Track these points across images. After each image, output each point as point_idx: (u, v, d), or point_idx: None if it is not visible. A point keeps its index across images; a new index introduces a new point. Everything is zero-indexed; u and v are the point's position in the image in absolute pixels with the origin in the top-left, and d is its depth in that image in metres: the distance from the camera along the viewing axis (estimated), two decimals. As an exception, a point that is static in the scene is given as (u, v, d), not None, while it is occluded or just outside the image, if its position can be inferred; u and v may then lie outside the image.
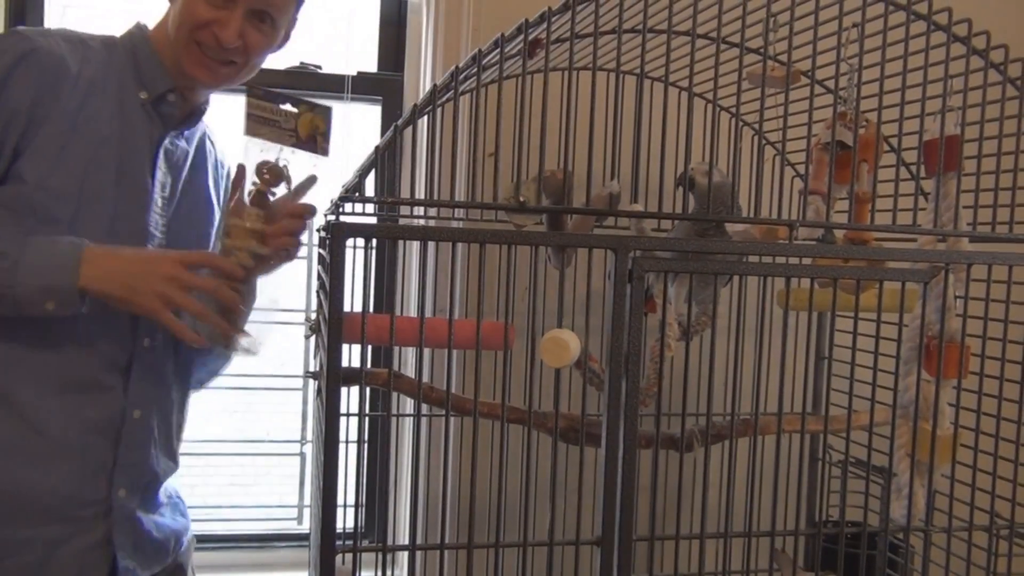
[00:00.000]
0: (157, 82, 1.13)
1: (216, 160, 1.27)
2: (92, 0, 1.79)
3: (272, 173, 1.05)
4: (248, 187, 1.07)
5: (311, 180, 1.08)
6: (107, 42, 1.14)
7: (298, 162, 1.07)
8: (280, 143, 1.04)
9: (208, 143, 1.26)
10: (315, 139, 1.05)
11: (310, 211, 1.08)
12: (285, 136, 1.04)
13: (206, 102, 1.21)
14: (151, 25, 1.17)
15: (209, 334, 1.05)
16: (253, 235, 1.04)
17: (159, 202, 1.13)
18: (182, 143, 1.18)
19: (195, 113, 1.19)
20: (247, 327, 1.10)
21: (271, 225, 1.05)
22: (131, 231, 1.09)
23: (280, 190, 1.07)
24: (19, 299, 0.97)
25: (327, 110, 1.05)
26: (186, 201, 1.19)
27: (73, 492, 1.06)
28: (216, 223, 1.24)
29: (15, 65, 1.02)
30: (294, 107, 1.04)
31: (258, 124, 1.03)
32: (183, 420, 1.26)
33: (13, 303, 0.98)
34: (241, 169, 1.06)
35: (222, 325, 1.05)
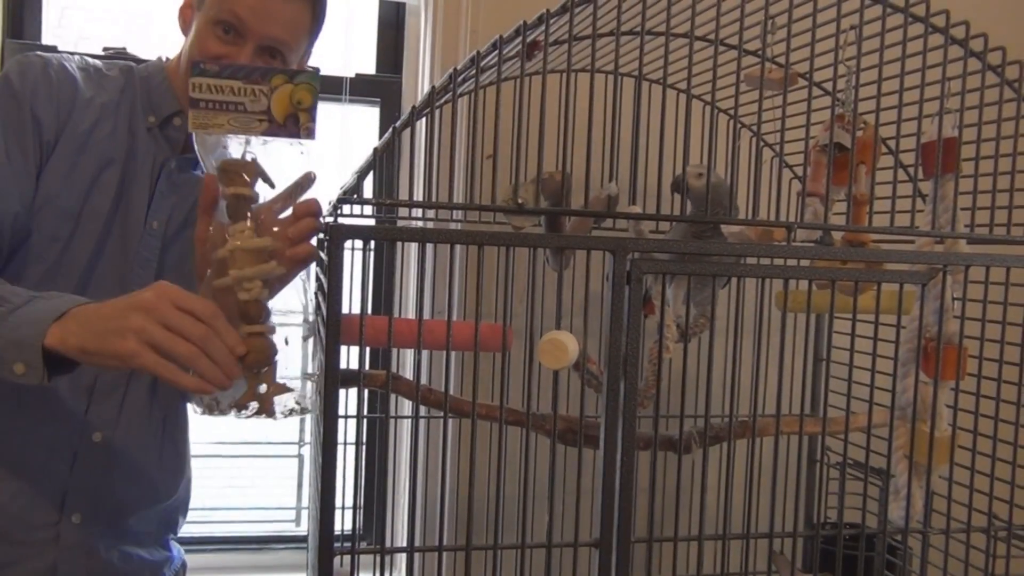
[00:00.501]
0: (164, 106, 1.14)
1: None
2: (90, 2, 1.79)
3: (243, 171, 0.82)
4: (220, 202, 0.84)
5: (307, 179, 0.90)
6: (126, 69, 1.16)
7: (277, 152, 0.85)
8: (245, 133, 0.81)
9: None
10: (296, 118, 0.82)
11: (315, 208, 0.91)
12: (252, 123, 0.80)
13: None
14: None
15: (232, 402, 0.83)
16: (259, 256, 0.82)
17: (154, 225, 1.12)
18: (191, 168, 1.17)
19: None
20: (286, 374, 0.86)
21: (269, 235, 0.85)
22: (119, 250, 1.08)
23: (261, 190, 0.85)
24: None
25: (313, 76, 0.82)
26: (189, 226, 1.15)
27: (22, 514, 1.02)
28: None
29: (39, 82, 1.05)
30: (262, 82, 0.80)
31: (211, 113, 0.80)
32: (178, 443, 1.18)
33: None
34: (208, 182, 0.87)
35: (250, 378, 0.83)
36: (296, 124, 0.82)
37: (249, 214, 0.82)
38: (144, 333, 0.77)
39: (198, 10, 1.10)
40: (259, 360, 0.82)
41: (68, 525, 1.05)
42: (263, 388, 0.81)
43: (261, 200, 0.86)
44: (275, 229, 0.84)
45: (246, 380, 0.82)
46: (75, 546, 1.06)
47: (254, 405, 0.81)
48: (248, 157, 0.82)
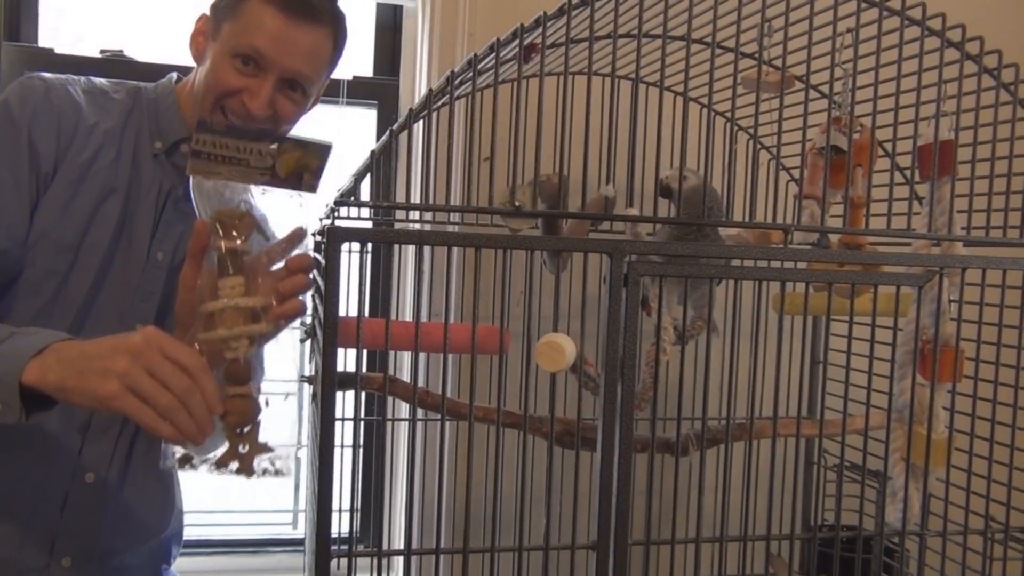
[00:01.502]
0: (171, 131, 1.09)
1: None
2: (86, 9, 1.79)
3: (238, 223, 0.79)
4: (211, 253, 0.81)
5: (300, 233, 0.87)
6: (133, 91, 1.12)
7: (274, 202, 0.84)
8: (246, 182, 0.80)
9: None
10: (300, 176, 0.82)
11: (308, 263, 0.87)
12: (254, 174, 0.80)
13: None
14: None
15: (213, 458, 0.81)
16: (248, 315, 0.79)
17: (159, 256, 1.07)
18: (183, 191, 1.11)
19: None
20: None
21: (260, 292, 0.82)
22: (120, 283, 1.04)
23: (255, 243, 0.83)
24: None
25: (324, 149, 0.82)
26: (178, 241, 1.11)
27: (11, 558, 0.98)
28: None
29: (39, 110, 1.00)
30: (273, 143, 0.80)
31: (212, 163, 0.79)
32: (166, 478, 1.15)
33: None
34: (199, 228, 0.83)
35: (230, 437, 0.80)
36: (299, 181, 0.81)
37: (238, 266, 0.80)
38: (128, 377, 0.75)
39: (213, 40, 1.04)
40: (241, 421, 0.80)
41: (58, 569, 1.02)
42: (244, 448, 0.80)
43: (254, 250, 0.84)
44: (264, 282, 0.82)
45: (227, 437, 0.80)
46: None
47: (234, 464, 0.80)
48: (244, 207, 0.81)
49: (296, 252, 0.86)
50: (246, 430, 0.80)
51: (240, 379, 0.81)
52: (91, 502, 1.03)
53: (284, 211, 0.83)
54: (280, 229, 0.87)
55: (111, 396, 0.75)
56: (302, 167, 0.81)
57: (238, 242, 0.79)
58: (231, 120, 0.90)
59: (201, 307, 0.78)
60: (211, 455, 0.81)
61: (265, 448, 0.81)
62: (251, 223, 0.80)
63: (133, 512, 1.08)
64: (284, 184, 0.80)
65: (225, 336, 0.78)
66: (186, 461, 0.82)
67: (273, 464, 0.81)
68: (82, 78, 1.10)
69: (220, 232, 0.79)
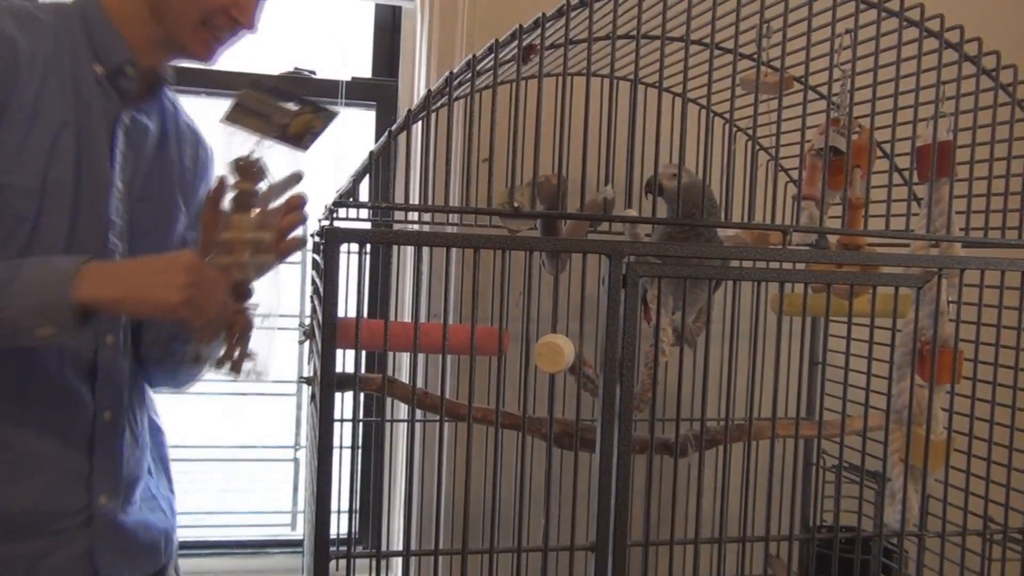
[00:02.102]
0: (113, 53, 1.02)
1: (197, 140, 1.16)
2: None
3: (253, 169, 0.94)
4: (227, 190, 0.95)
5: (296, 176, 0.98)
6: (59, 11, 1.03)
7: (275, 157, 0.97)
8: (262, 135, 0.93)
9: (183, 119, 1.15)
10: (302, 137, 0.95)
11: (303, 200, 0.97)
12: (270, 129, 0.93)
13: (167, 74, 1.10)
14: None
15: (214, 358, 0.97)
16: (255, 246, 0.94)
17: (120, 187, 1.03)
18: (143, 119, 1.07)
19: (156, 85, 1.07)
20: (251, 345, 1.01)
21: (267, 227, 0.95)
22: (93, 220, 1.01)
23: (261, 187, 0.96)
24: (14, 323, 0.87)
25: (331, 116, 0.96)
26: (152, 184, 1.08)
27: (52, 505, 1.01)
28: (186, 216, 1.13)
29: None
30: (296, 105, 0.95)
31: (243, 113, 0.93)
32: (155, 415, 1.20)
33: (9, 331, 0.88)
34: (222, 179, 0.95)
35: (231, 346, 0.95)
36: (299, 140, 0.95)
37: (247, 205, 0.94)
38: (188, 290, 0.87)
39: None
40: (241, 331, 0.96)
41: (98, 507, 1.04)
42: (237, 353, 0.97)
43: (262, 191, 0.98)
44: (268, 218, 0.95)
45: (225, 343, 0.97)
46: (106, 527, 1.05)
47: (227, 364, 0.97)
48: (259, 156, 0.94)
49: (292, 192, 0.97)
50: (242, 338, 0.97)
51: (244, 297, 0.96)
52: (112, 439, 1.06)
53: (281, 162, 0.96)
54: (275, 177, 0.98)
55: (177, 305, 0.88)
56: (307, 129, 0.95)
57: (251, 185, 0.93)
58: (273, 86, 0.96)
59: (218, 236, 0.93)
60: (212, 356, 0.97)
61: (252, 355, 0.97)
62: (262, 170, 0.94)
63: (141, 440, 1.13)
64: (289, 141, 0.94)
65: (237, 262, 0.93)
66: (197, 359, 1.00)
67: (255, 367, 0.97)
68: (2, 1, 1.01)
69: (239, 176, 0.93)
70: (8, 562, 0.99)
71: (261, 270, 0.96)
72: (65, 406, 1.02)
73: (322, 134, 0.97)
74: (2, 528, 0.98)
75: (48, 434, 1.01)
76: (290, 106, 0.94)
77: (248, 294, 0.97)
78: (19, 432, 0.99)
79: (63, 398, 1.01)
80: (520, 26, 0.94)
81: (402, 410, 1.64)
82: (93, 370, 1.04)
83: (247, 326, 0.97)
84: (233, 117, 0.93)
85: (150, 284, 0.89)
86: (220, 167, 0.96)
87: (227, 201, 0.94)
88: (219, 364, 0.97)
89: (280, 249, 0.96)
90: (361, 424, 1.58)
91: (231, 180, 0.93)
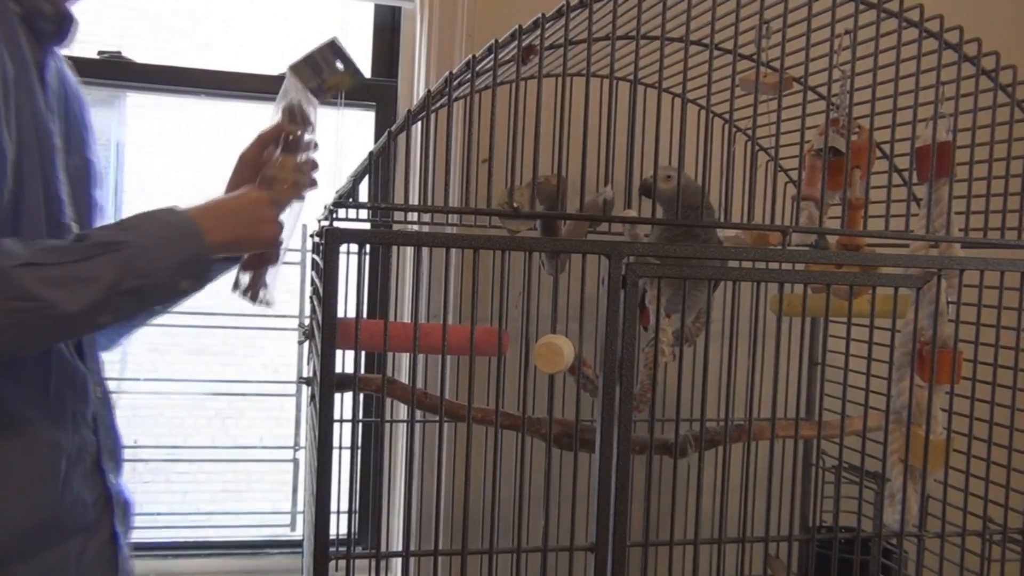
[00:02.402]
0: None
1: (79, 91, 1.07)
2: (83, 6, 1.79)
3: (302, 117, 1.03)
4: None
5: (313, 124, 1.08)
6: None
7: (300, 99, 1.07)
8: (306, 86, 1.03)
9: (62, 62, 1.04)
10: (326, 93, 1.05)
11: (316, 144, 1.05)
12: (313, 81, 1.03)
13: (70, 13, 0.99)
14: None
15: (244, 285, 1.05)
16: (295, 185, 1.01)
17: (57, 142, 0.94)
18: (53, 63, 0.98)
19: (66, 23, 0.97)
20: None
21: (299, 168, 1.01)
22: (73, 173, 0.96)
23: (305, 134, 1.05)
24: (157, 287, 0.87)
25: (357, 82, 1.05)
26: (65, 126, 0.99)
27: (84, 498, 0.97)
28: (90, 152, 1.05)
29: None
30: (343, 66, 1.04)
31: (307, 65, 1.03)
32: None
33: (148, 294, 0.87)
34: (280, 122, 1.02)
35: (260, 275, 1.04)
36: (324, 95, 1.04)
37: (297, 149, 1.02)
38: (275, 223, 0.95)
39: None
40: (269, 261, 1.04)
41: (110, 487, 1.02)
42: (261, 282, 1.05)
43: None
44: (305, 164, 1.04)
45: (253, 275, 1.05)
46: (118, 506, 1.03)
47: (249, 292, 1.04)
48: (305, 105, 1.03)
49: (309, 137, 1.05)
50: (265, 269, 1.05)
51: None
52: (107, 414, 1.05)
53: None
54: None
55: (274, 236, 0.95)
56: (337, 87, 1.04)
57: (300, 131, 1.02)
58: (340, 45, 1.03)
59: (266, 171, 1.00)
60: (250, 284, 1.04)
61: (267, 285, 1.05)
62: (311, 119, 1.03)
63: (112, 408, 1.09)
64: (318, 95, 1.03)
65: (278, 198, 0.99)
66: (238, 287, 1.05)
67: (265, 296, 1.05)
68: None
69: (290, 120, 1.01)
70: (59, 567, 0.94)
71: (292, 207, 1.03)
72: (75, 391, 0.98)
73: (343, 95, 1.11)
74: (51, 534, 0.93)
75: (73, 423, 0.97)
76: (339, 66, 1.03)
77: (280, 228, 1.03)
78: (57, 427, 0.94)
79: (75, 382, 0.98)
80: (519, 27, 0.94)
81: (402, 410, 1.64)
82: (79, 344, 0.99)
83: (275, 257, 1.03)
84: (297, 67, 1.02)
85: (249, 222, 0.94)
86: (275, 108, 1.04)
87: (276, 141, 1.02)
88: (244, 291, 1.04)
89: (302, 188, 1.02)
90: (361, 425, 1.59)
91: (284, 122, 1.02)
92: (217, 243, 0.91)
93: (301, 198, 1.04)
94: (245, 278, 1.04)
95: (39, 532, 0.93)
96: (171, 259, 0.87)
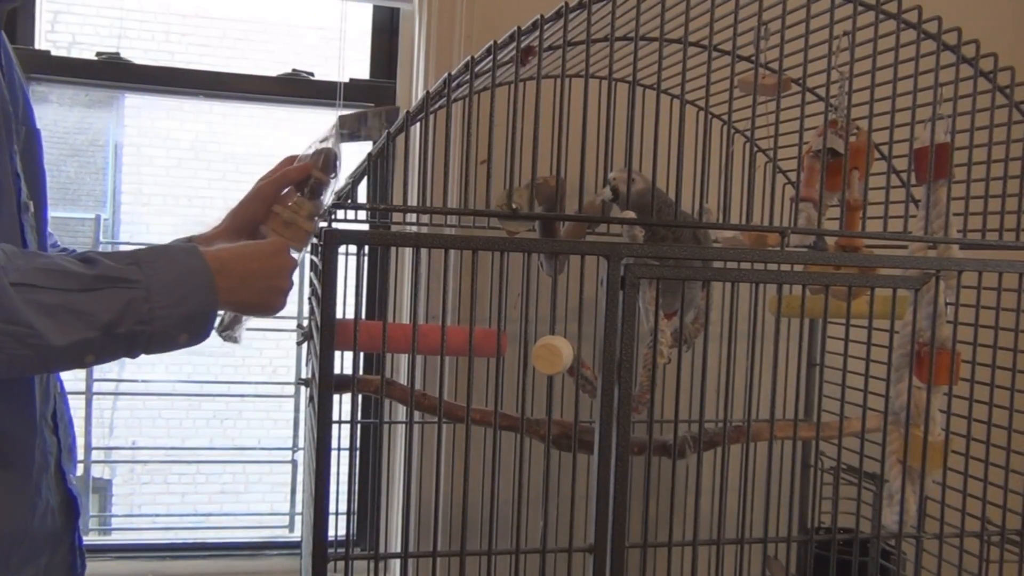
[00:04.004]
0: None
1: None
2: (83, 7, 1.79)
3: (331, 164, 1.00)
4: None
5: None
6: None
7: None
8: (340, 133, 1.02)
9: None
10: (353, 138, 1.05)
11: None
12: (353, 131, 1.03)
13: None
14: None
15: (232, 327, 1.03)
16: (305, 236, 0.98)
17: (10, 110, 0.88)
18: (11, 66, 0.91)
19: None
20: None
21: (311, 216, 0.98)
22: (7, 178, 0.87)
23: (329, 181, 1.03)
24: (153, 336, 0.79)
25: (381, 130, 1.05)
26: (11, 94, 0.90)
27: (52, 504, 0.92)
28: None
29: None
30: (376, 121, 1.04)
31: (356, 120, 1.03)
32: None
33: (142, 342, 0.79)
34: (306, 165, 0.98)
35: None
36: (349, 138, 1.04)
37: (316, 195, 0.99)
38: (287, 291, 0.91)
39: None
40: None
41: (73, 488, 0.97)
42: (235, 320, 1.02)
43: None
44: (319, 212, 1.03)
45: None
46: (80, 506, 0.99)
47: (227, 331, 1.01)
48: (336, 152, 1.00)
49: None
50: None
51: None
52: (65, 410, 0.99)
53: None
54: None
55: (281, 305, 0.91)
56: (362, 135, 1.04)
57: (327, 177, 0.99)
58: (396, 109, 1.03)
59: (282, 214, 0.97)
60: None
61: (241, 322, 1.01)
62: (337, 168, 1.00)
63: (67, 401, 1.03)
64: (345, 139, 1.03)
65: (291, 240, 0.96)
66: (231, 333, 1.02)
67: (235, 334, 1.01)
68: None
69: (320, 165, 0.98)
70: None
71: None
72: (45, 392, 0.92)
73: (361, 142, 1.06)
74: (27, 544, 0.89)
75: (43, 429, 0.92)
76: (381, 131, 1.03)
77: None
78: (29, 433, 0.88)
79: (47, 383, 0.93)
80: (518, 28, 0.94)
81: (401, 412, 1.63)
82: None
83: None
84: (346, 119, 1.02)
85: (265, 290, 0.88)
86: (308, 150, 1.02)
87: (299, 184, 0.99)
88: (221, 329, 1.00)
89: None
90: (359, 426, 1.58)
91: (316, 167, 0.99)
92: (226, 303, 0.86)
93: (301, 250, 1.00)
94: (224, 316, 1.00)
95: (14, 548, 0.87)
96: (177, 310, 0.80)
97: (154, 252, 0.82)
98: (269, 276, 0.88)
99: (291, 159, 1.00)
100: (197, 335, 0.83)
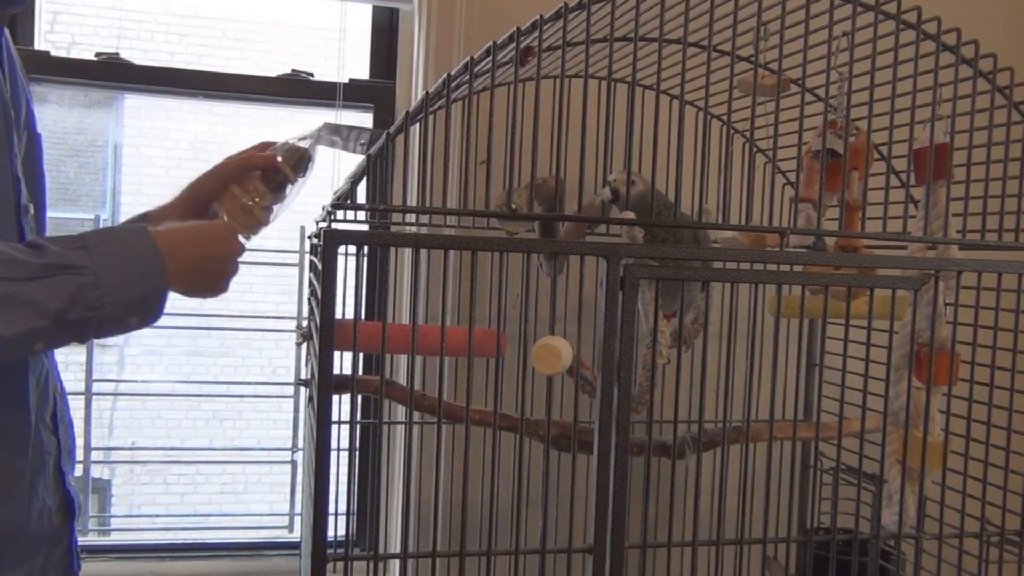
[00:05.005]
0: None
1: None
2: (83, 8, 1.79)
3: (302, 162, 1.00)
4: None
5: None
6: None
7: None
8: (317, 140, 1.03)
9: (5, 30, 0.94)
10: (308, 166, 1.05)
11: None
12: (335, 141, 1.05)
13: None
14: None
15: None
16: (259, 223, 0.99)
17: (12, 114, 0.88)
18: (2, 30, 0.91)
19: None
20: None
21: (270, 209, 0.99)
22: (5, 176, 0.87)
23: (296, 180, 1.04)
24: (103, 321, 0.78)
25: (356, 148, 1.08)
26: (14, 98, 0.91)
27: (48, 505, 0.92)
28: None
29: None
30: (354, 137, 1.07)
31: (339, 130, 1.06)
32: None
33: (93, 327, 0.78)
34: (273, 156, 0.99)
35: None
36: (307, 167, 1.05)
37: (278, 187, 1.00)
38: (232, 276, 0.90)
39: None
40: None
41: (71, 490, 0.97)
42: None
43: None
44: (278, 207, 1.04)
45: None
46: (77, 506, 0.98)
47: None
48: (310, 153, 1.01)
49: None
50: None
51: None
52: (65, 411, 0.99)
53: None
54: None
55: (223, 291, 0.91)
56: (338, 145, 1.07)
57: (294, 175, 1.00)
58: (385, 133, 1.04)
59: (240, 201, 0.98)
60: None
61: None
62: (307, 168, 1.01)
63: (68, 402, 1.03)
64: (328, 145, 1.06)
65: (245, 229, 0.98)
66: None
67: None
68: None
69: (289, 160, 0.99)
70: None
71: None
72: (40, 388, 0.92)
73: (342, 152, 1.11)
74: (23, 544, 0.89)
75: (43, 428, 0.92)
76: (360, 149, 1.07)
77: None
78: (25, 432, 0.88)
79: (40, 381, 0.92)
80: (518, 28, 0.94)
81: (400, 412, 1.63)
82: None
83: None
84: (331, 126, 1.06)
85: (212, 275, 0.88)
86: (284, 144, 1.02)
87: (261, 173, 0.99)
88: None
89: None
90: (359, 426, 1.58)
91: (285, 163, 1.00)
92: (175, 285, 0.85)
93: (249, 238, 1.00)
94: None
95: (8, 547, 0.87)
96: (127, 295, 0.79)
97: (102, 235, 0.82)
98: (217, 261, 0.88)
99: (266, 145, 1.01)
100: (148, 318, 0.83)
